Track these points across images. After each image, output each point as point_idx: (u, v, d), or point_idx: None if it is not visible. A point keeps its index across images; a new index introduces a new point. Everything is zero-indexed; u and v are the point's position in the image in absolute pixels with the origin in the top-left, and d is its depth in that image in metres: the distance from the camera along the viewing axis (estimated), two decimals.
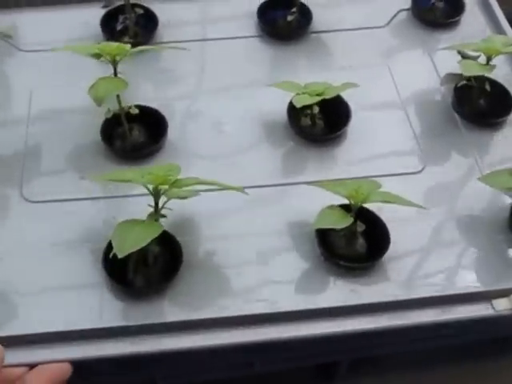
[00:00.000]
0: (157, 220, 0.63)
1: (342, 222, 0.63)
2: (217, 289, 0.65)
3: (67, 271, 0.66)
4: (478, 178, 0.70)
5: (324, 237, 0.68)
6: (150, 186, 0.63)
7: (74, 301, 0.64)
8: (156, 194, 0.63)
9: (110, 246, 0.65)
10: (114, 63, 0.71)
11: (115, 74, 0.72)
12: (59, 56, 0.85)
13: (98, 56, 0.70)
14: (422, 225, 0.70)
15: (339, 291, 0.65)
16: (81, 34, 0.87)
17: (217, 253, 0.68)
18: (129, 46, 0.72)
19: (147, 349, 0.61)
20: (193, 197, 0.67)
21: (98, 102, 0.66)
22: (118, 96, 0.72)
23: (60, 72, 0.84)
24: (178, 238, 0.67)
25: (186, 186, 0.62)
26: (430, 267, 0.67)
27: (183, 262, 0.65)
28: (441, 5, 0.92)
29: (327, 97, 0.75)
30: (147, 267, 0.65)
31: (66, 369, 0.59)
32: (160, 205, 0.63)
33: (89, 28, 0.87)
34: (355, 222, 0.67)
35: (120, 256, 0.58)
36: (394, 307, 0.63)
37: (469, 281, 0.66)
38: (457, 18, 0.91)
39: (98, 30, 0.87)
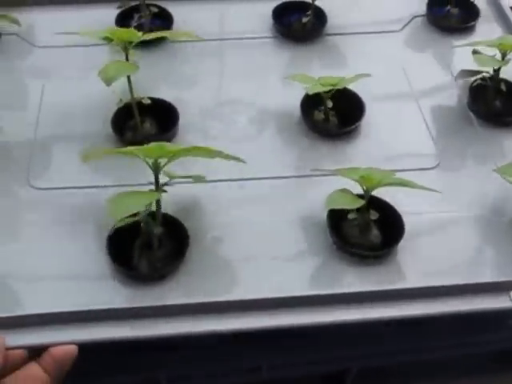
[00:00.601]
0: (159, 199, 0.62)
1: (355, 203, 0.61)
2: (225, 275, 0.63)
3: (72, 257, 0.64)
4: (494, 170, 0.69)
5: (337, 226, 0.66)
6: (150, 161, 0.61)
7: (78, 285, 0.62)
8: (156, 168, 0.61)
9: (114, 232, 0.64)
10: (126, 49, 0.71)
11: (127, 60, 0.72)
12: (73, 52, 0.86)
13: (109, 40, 0.70)
14: (437, 216, 0.68)
15: (352, 279, 0.63)
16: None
17: (226, 240, 0.66)
18: (140, 33, 0.72)
19: (151, 333, 0.59)
20: (201, 183, 0.66)
21: (108, 82, 0.65)
22: (129, 84, 0.72)
23: (73, 67, 0.84)
24: (186, 225, 0.65)
25: (185, 155, 0.60)
26: (446, 257, 0.65)
27: (191, 247, 0.64)
28: (455, 11, 0.92)
29: (340, 87, 0.74)
30: (152, 251, 0.63)
31: (73, 350, 0.57)
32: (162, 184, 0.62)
33: (103, 26, 0.87)
34: (368, 210, 0.65)
35: (114, 218, 0.56)
36: (408, 295, 0.61)
37: (485, 271, 0.64)
38: (472, 23, 0.91)
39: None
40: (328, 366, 0.76)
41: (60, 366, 0.57)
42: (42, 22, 0.90)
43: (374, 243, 0.66)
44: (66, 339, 0.57)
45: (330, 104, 0.76)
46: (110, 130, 0.75)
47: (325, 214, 0.66)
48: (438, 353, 0.75)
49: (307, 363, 0.75)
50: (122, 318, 0.59)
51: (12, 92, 0.82)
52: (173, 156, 0.60)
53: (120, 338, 0.58)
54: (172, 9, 0.90)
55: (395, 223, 0.66)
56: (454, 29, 0.91)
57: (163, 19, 0.89)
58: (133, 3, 0.90)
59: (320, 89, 0.73)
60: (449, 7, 0.93)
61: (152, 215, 0.63)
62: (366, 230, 0.66)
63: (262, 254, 0.65)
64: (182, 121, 0.76)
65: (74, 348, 0.57)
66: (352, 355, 0.74)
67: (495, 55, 0.78)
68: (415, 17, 0.93)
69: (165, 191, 0.62)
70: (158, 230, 0.63)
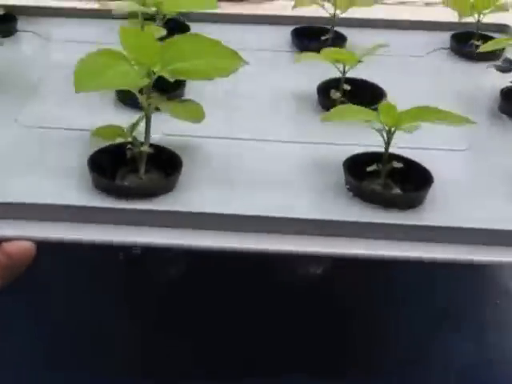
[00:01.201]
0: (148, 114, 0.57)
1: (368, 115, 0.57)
2: (221, 202, 0.56)
3: (51, 170, 0.59)
4: None
5: (356, 178, 0.59)
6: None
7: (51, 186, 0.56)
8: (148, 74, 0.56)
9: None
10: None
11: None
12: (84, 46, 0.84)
13: None
14: (465, 171, 0.64)
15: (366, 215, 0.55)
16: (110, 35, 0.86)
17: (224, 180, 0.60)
18: None
19: (121, 239, 0.51)
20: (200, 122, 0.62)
21: (117, 12, 0.65)
22: None
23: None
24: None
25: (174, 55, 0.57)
26: (475, 207, 0.58)
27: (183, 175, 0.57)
28: (479, 43, 0.90)
29: (359, 59, 0.73)
30: (139, 174, 0.57)
31: (29, 248, 0.48)
32: None
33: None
34: (389, 161, 0.58)
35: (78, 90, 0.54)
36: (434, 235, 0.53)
37: None
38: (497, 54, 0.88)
39: None
40: None
41: (12, 264, 0.48)
42: (59, 26, 0.91)
43: (394, 197, 0.58)
44: (22, 234, 0.48)
45: (347, 88, 0.73)
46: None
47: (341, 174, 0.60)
48: None
49: None
50: (93, 221, 0.52)
51: (19, 67, 0.80)
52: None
53: (87, 240, 0.51)
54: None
55: (420, 174, 0.59)
56: (478, 59, 0.88)
57: (179, 27, 0.87)
58: None
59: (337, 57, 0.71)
60: (472, 41, 0.91)
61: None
62: (387, 183, 0.59)
63: (268, 190, 0.58)
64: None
65: (30, 245, 0.48)
66: None
67: None
68: (440, 48, 0.91)
69: (158, 110, 0.58)
70: (145, 148, 0.56)
